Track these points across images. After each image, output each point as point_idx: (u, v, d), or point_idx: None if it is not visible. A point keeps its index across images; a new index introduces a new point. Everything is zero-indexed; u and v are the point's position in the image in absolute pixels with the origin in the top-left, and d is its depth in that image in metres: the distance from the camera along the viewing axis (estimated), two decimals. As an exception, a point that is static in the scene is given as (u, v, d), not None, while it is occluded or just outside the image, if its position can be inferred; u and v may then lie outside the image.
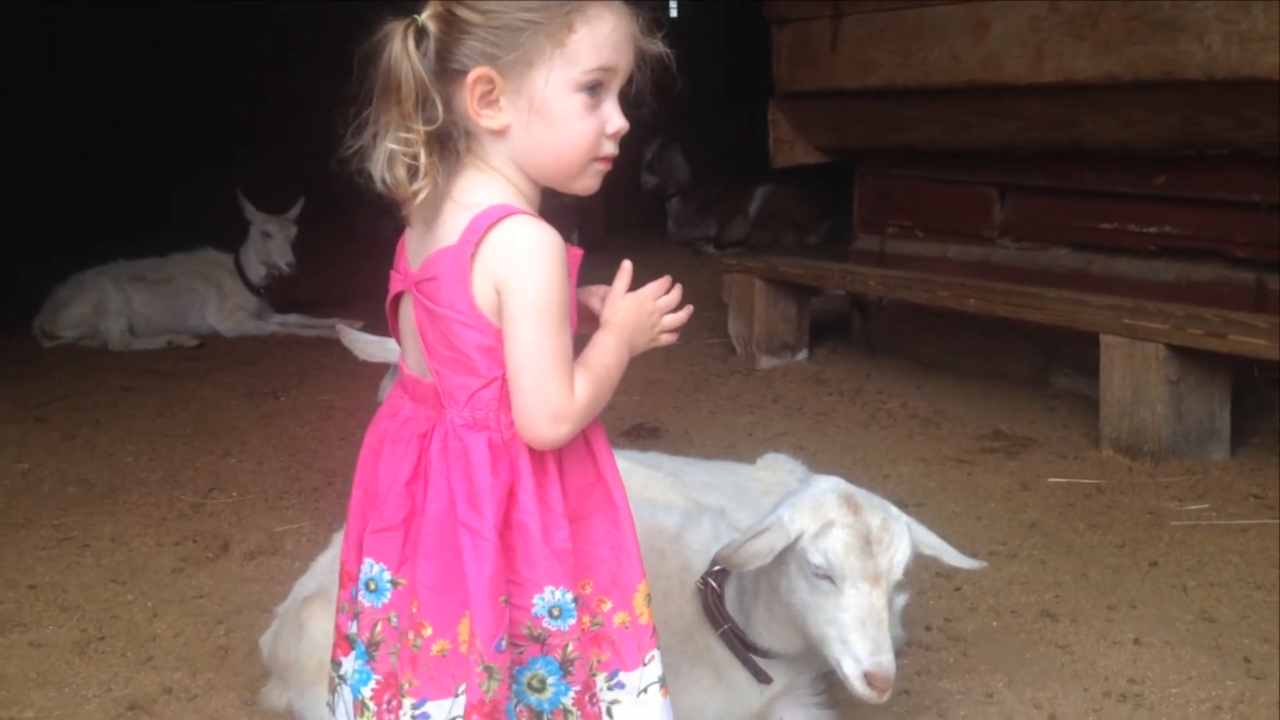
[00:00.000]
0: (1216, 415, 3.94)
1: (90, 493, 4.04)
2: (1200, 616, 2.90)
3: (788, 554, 2.13)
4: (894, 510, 2.18)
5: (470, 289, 1.59)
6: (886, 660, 2.03)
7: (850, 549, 2.07)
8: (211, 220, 6.85)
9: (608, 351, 1.71)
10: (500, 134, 1.64)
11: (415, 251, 1.68)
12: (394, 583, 1.67)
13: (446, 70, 1.61)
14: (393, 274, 1.73)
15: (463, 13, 1.59)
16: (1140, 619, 2.90)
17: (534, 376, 1.58)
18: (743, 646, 2.25)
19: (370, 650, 1.69)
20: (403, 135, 1.59)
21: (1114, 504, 3.64)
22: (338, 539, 2.68)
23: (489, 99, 1.62)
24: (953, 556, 2.23)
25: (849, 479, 2.23)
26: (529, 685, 1.67)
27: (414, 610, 1.63)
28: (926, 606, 2.98)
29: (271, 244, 6.52)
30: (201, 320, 6.62)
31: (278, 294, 6.83)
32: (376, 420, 1.80)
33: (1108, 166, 4.67)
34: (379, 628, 1.68)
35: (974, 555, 3.15)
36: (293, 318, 6.74)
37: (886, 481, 3.82)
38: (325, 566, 2.62)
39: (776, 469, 3.03)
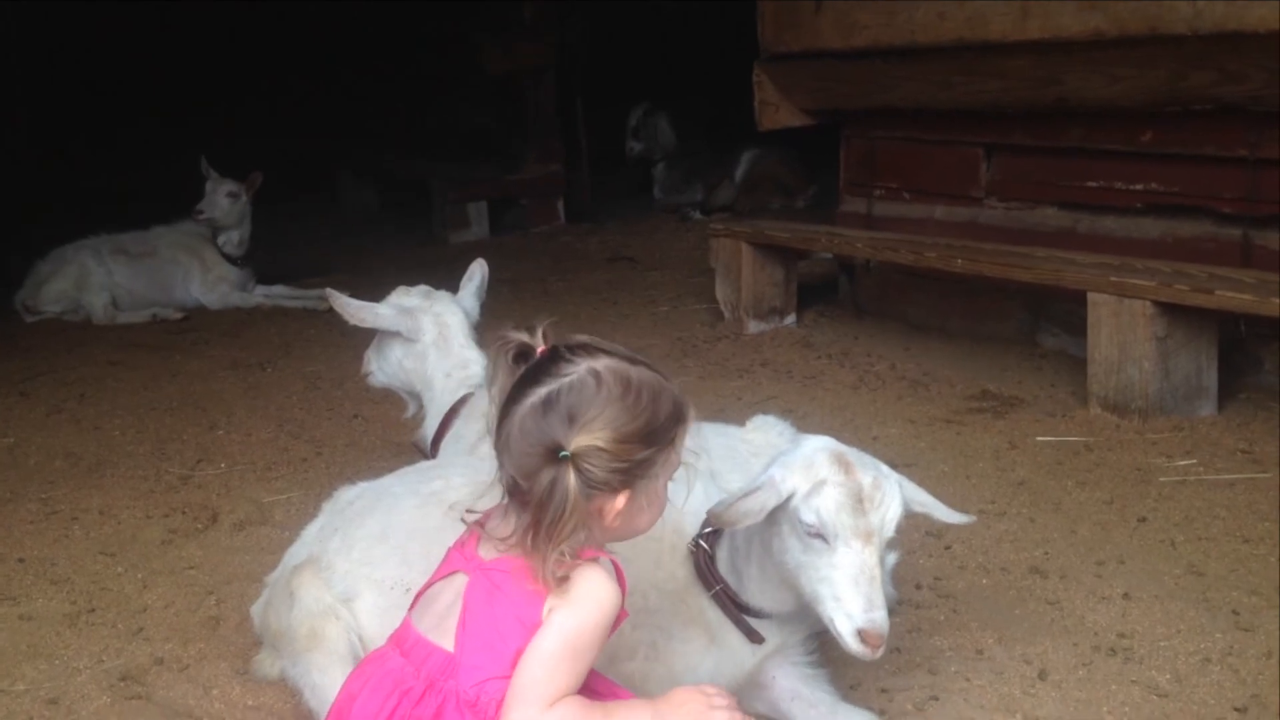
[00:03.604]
0: (1204, 371, 3.94)
1: (77, 466, 4.02)
2: (1189, 570, 2.92)
3: (779, 513, 2.13)
4: (885, 469, 2.18)
5: (542, 603, 1.73)
6: (880, 617, 2.03)
7: (842, 507, 2.08)
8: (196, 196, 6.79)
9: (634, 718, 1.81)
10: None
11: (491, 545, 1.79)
12: None
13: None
14: (453, 551, 1.85)
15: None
16: (1129, 574, 2.91)
17: (532, 686, 1.72)
18: (735, 607, 2.26)
19: None
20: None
21: (1102, 461, 3.65)
22: (327, 508, 2.68)
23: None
24: (942, 512, 2.23)
25: (839, 440, 2.22)
26: None
27: None
28: (916, 565, 2.99)
29: (208, 200, 6.52)
30: (185, 293, 6.58)
31: (262, 266, 6.80)
32: (361, 666, 1.91)
33: (1094, 124, 4.64)
34: None
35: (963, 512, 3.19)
36: (277, 289, 6.71)
37: (875, 443, 3.82)
38: (315, 535, 2.62)
39: (766, 431, 3.02)
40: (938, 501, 2.24)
